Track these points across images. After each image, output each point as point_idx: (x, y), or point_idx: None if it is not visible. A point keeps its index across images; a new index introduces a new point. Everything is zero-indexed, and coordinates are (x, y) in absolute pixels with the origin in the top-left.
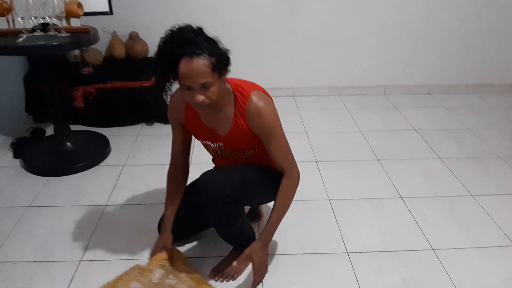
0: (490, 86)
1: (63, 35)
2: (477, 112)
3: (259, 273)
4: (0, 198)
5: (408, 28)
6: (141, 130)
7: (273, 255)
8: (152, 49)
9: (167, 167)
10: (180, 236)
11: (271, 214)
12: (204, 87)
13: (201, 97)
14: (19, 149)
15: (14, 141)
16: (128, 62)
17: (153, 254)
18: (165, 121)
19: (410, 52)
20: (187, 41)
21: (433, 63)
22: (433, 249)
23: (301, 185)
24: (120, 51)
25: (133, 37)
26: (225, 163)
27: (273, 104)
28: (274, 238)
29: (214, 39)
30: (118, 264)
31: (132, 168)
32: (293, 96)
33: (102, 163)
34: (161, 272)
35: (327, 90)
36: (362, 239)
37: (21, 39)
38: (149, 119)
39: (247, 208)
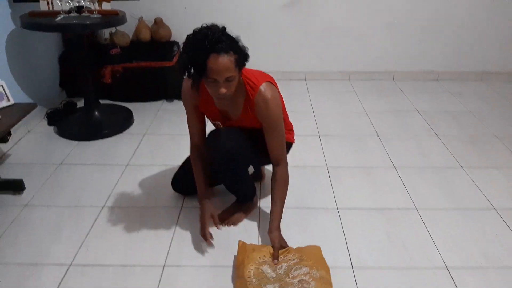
0: (498, 74)
1: (95, 16)
2: (482, 98)
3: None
4: (36, 156)
5: (417, 16)
6: (161, 105)
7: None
8: (175, 34)
9: (184, 137)
10: (192, 191)
11: (275, 203)
12: (228, 80)
13: (224, 90)
14: (53, 118)
15: (49, 111)
16: (152, 45)
17: (203, 226)
18: None
19: (419, 39)
20: (217, 39)
21: (442, 50)
22: (416, 208)
23: (303, 153)
24: (145, 35)
25: (158, 22)
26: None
27: (279, 97)
28: None
29: (236, 38)
30: (136, 211)
31: (152, 137)
32: (305, 80)
33: (125, 132)
34: (285, 266)
35: (338, 75)
36: (352, 198)
37: (59, 19)
38: (169, 96)
39: (251, 170)
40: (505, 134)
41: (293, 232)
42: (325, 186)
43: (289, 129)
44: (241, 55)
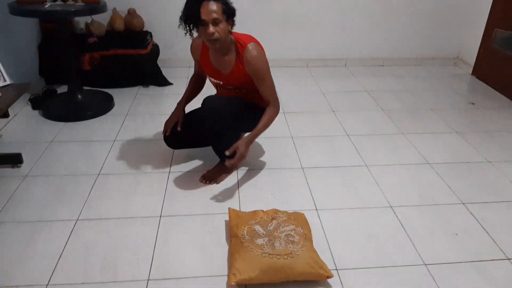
0: (433, 59)
1: (79, 4)
2: (419, 80)
3: (239, 159)
4: (27, 135)
5: (365, 10)
6: (138, 90)
7: (248, 169)
8: (148, 23)
9: (163, 118)
10: (181, 145)
11: (257, 126)
12: (215, 23)
13: (212, 29)
14: (36, 104)
15: (31, 97)
16: (126, 34)
17: (166, 124)
18: (159, 83)
19: (367, 30)
20: None
21: (386, 39)
22: (366, 165)
23: (271, 128)
24: (119, 25)
25: (131, 12)
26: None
27: (265, 54)
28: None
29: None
30: (129, 176)
31: (133, 117)
32: None
33: (108, 113)
34: (275, 223)
35: (297, 62)
36: (314, 160)
37: (46, 6)
38: (145, 82)
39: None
40: (438, 107)
41: (268, 187)
42: (291, 151)
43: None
44: (228, 7)
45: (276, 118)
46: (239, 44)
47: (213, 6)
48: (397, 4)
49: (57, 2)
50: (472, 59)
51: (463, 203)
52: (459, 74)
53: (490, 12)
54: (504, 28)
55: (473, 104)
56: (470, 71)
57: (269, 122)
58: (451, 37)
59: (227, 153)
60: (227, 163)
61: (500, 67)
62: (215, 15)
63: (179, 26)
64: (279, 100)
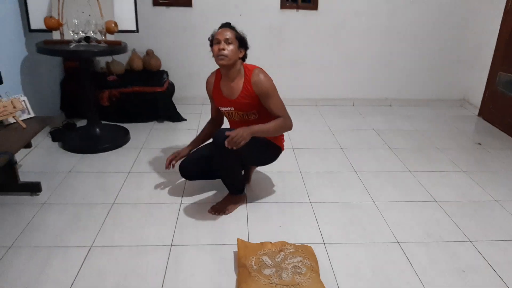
0: (440, 100)
1: (102, 45)
2: (426, 120)
3: (237, 136)
4: (46, 166)
5: (372, 53)
6: (153, 125)
7: (257, 202)
8: (164, 64)
9: (176, 149)
10: (194, 176)
11: (266, 124)
12: (227, 42)
13: (222, 45)
14: (56, 136)
15: (52, 130)
16: (144, 73)
17: (169, 158)
18: (173, 119)
19: (374, 72)
20: (225, 24)
21: (393, 80)
22: (373, 201)
23: (281, 163)
24: (138, 64)
25: (149, 53)
26: (237, 126)
27: (270, 77)
28: (259, 192)
29: (239, 30)
30: (142, 206)
31: (148, 150)
32: None
33: (124, 146)
34: (283, 254)
35: (306, 101)
36: (321, 195)
37: (71, 46)
38: (160, 117)
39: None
40: (445, 147)
41: (276, 220)
42: (300, 186)
43: (280, 137)
44: (241, 38)
45: (287, 153)
46: (246, 69)
47: (228, 32)
48: (404, 47)
49: (82, 43)
50: (478, 101)
51: (470, 241)
52: (466, 115)
53: (493, 56)
54: (507, 71)
55: (480, 144)
56: (477, 113)
57: (277, 127)
58: (457, 80)
59: (227, 133)
60: (226, 143)
61: (505, 108)
62: (228, 35)
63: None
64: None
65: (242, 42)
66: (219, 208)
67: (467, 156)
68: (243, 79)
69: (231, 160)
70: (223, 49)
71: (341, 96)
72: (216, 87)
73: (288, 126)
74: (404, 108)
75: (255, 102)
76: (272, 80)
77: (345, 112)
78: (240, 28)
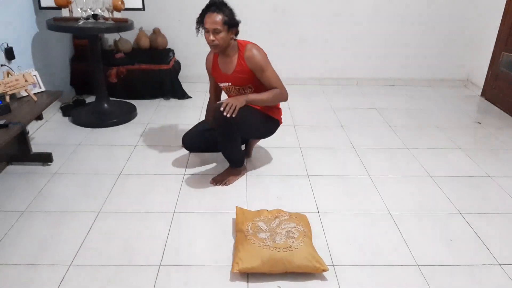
0: (443, 80)
1: (110, 22)
2: (429, 100)
3: (229, 103)
4: (57, 138)
5: (377, 33)
6: (159, 102)
7: (257, 175)
8: (171, 42)
9: (181, 127)
10: (196, 148)
11: (262, 93)
12: (215, 32)
13: (212, 37)
14: (66, 111)
15: (62, 105)
16: (151, 51)
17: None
18: (179, 97)
19: (378, 51)
20: (212, 3)
21: (398, 61)
22: (369, 175)
23: (281, 138)
24: (145, 43)
25: (156, 32)
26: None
27: (263, 51)
28: (259, 166)
29: (230, 9)
30: (147, 177)
31: (154, 125)
32: None
33: (131, 121)
34: (277, 221)
35: (310, 80)
36: (320, 169)
37: (80, 23)
38: (167, 95)
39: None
40: (444, 126)
41: (274, 191)
42: (299, 161)
43: (277, 107)
44: (230, 18)
45: (288, 129)
46: (240, 45)
47: (216, 18)
48: (409, 27)
49: (90, 20)
50: (481, 81)
51: (460, 213)
52: (468, 95)
53: (497, 37)
54: (510, 51)
55: (480, 123)
56: (479, 93)
57: (272, 97)
58: (461, 60)
59: (223, 101)
60: (222, 108)
61: (507, 89)
62: (215, 26)
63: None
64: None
65: (231, 24)
66: (220, 179)
67: (465, 134)
68: (237, 55)
69: (230, 133)
70: (213, 40)
71: (344, 75)
72: (214, 63)
73: (284, 97)
74: (407, 88)
75: (250, 77)
76: (265, 53)
77: (348, 91)
78: (245, 8)
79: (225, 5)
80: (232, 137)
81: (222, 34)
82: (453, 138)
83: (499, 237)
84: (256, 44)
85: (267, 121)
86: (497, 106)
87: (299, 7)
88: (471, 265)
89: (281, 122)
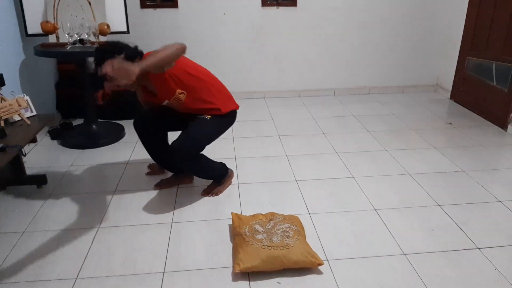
0: (414, 86)
1: (95, 46)
2: (402, 105)
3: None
4: (48, 161)
5: (350, 44)
6: None
7: (248, 183)
8: None
9: (170, 142)
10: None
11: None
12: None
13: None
14: (55, 135)
15: (50, 129)
16: None
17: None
18: None
19: (352, 62)
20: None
21: (371, 70)
22: (353, 177)
23: (267, 148)
24: None
25: None
26: (179, 112)
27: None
28: (250, 175)
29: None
30: (141, 194)
31: None
32: (264, 98)
33: (120, 141)
34: (272, 222)
35: (290, 93)
36: (307, 174)
37: (67, 48)
38: None
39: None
40: (419, 128)
41: (266, 197)
42: (286, 168)
43: (209, 101)
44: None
45: (272, 140)
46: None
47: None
48: (379, 39)
49: (76, 45)
50: (449, 85)
51: (439, 205)
52: (439, 99)
53: (461, 42)
54: (474, 56)
55: (451, 124)
56: (449, 96)
57: (168, 50)
58: (430, 66)
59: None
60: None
61: (473, 90)
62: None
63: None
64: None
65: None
66: (209, 191)
67: (439, 134)
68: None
69: (193, 160)
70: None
71: (322, 86)
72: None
73: (179, 46)
74: (381, 95)
75: (171, 82)
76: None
77: (326, 101)
78: (223, 26)
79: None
80: (199, 165)
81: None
82: (427, 139)
83: (476, 224)
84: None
85: (215, 122)
86: (466, 107)
87: (276, 24)
88: (453, 250)
89: (229, 109)
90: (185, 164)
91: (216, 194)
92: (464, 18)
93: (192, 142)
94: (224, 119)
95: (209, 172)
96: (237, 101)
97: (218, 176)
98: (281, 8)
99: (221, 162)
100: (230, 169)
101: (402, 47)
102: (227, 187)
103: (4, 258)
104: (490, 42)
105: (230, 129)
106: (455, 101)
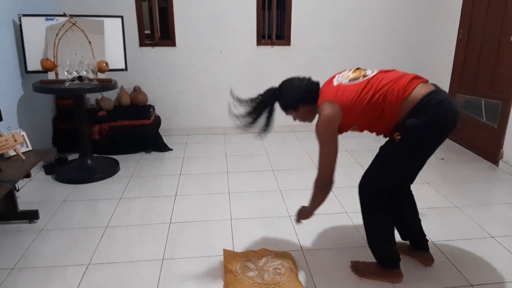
0: None
1: (94, 83)
2: None
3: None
4: (41, 196)
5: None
6: (141, 156)
7: (241, 218)
8: (151, 99)
9: (163, 178)
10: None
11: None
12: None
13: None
14: (49, 169)
15: (45, 164)
16: (132, 108)
17: None
18: (160, 149)
19: None
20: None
21: None
22: (346, 213)
23: (261, 184)
24: (126, 100)
25: (137, 89)
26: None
27: (330, 118)
28: (243, 209)
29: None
30: (133, 228)
31: (137, 178)
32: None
33: (114, 176)
34: (264, 259)
35: (285, 128)
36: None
37: (66, 85)
38: (148, 149)
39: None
40: None
41: (259, 233)
42: (280, 203)
43: (353, 123)
44: (284, 104)
45: (267, 174)
46: (319, 103)
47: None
48: (371, 58)
49: (75, 82)
50: None
51: (432, 241)
52: None
53: (451, 79)
54: (463, 93)
55: (443, 159)
56: None
57: (316, 191)
58: None
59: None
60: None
61: (464, 126)
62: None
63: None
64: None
65: (289, 107)
66: (360, 269)
67: (431, 170)
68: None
69: (370, 211)
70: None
71: (314, 122)
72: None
73: (321, 184)
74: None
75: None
76: (328, 122)
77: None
78: (220, 64)
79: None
80: (372, 217)
81: (294, 115)
82: (420, 174)
83: (469, 261)
84: (332, 100)
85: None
86: (457, 143)
87: (270, 62)
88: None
89: (361, 131)
90: (362, 207)
91: (362, 276)
92: (453, 56)
93: (368, 179)
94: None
95: (374, 238)
96: (232, 137)
97: (383, 258)
98: (275, 47)
99: (398, 254)
100: (401, 272)
101: (397, 60)
102: (382, 279)
103: None
104: (478, 79)
105: (224, 163)
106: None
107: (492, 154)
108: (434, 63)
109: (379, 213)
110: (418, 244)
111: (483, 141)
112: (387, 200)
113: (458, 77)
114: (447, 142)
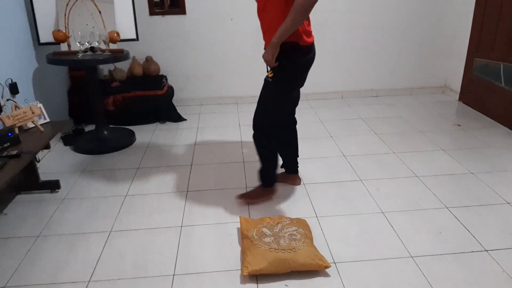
0: (422, 88)
1: (107, 53)
2: (410, 107)
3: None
4: (61, 166)
5: (357, 49)
6: (156, 126)
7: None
8: (163, 68)
9: (179, 148)
10: None
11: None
12: None
13: None
14: (67, 141)
15: (63, 135)
16: (145, 78)
17: None
18: (174, 120)
19: (360, 65)
20: None
21: (378, 72)
22: (361, 180)
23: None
24: (138, 70)
25: (149, 60)
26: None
27: None
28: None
29: None
30: (152, 196)
31: (154, 148)
32: None
33: (131, 146)
34: (280, 226)
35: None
36: (315, 177)
37: (79, 56)
38: (162, 119)
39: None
40: (426, 130)
41: (274, 200)
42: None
43: (303, 30)
44: None
45: None
46: None
47: None
48: (386, 41)
49: (88, 53)
50: (458, 87)
51: (447, 207)
52: (447, 100)
53: (469, 43)
54: (481, 57)
55: (459, 125)
56: (457, 98)
57: (293, 13)
58: (437, 68)
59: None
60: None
61: (482, 92)
62: None
63: None
64: None
65: None
66: (246, 196)
67: (446, 136)
68: None
69: (260, 140)
70: None
71: (330, 89)
72: None
73: (301, 4)
74: (389, 98)
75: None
76: None
77: (334, 104)
78: (232, 31)
79: None
80: (261, 145)
81: None
82: (435, 141)
83: (484, 226)
84: None
85: (280, 70)
86: (474, 109)
87: None
88: (461, 252)
89: (305, 43)
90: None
91: (250, 201)
92: (471, 18)
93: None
94: (286, 63)
95: (270, 165)
96: (246, 105)
97: (266, 178)
98: None
99: (277, 176)
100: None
101: (408, 49)
102: (263, 200)
103: (19, 261)
104: (497, 42)
105: (238, 133)
106: (463, 103)
107: (510, 120)
108: (451, 26)
109: (267, 140)
110: (291, 169)
111: (500, 106)
112: (275, 129)
113: (476, 40)
114: (464, 108)
